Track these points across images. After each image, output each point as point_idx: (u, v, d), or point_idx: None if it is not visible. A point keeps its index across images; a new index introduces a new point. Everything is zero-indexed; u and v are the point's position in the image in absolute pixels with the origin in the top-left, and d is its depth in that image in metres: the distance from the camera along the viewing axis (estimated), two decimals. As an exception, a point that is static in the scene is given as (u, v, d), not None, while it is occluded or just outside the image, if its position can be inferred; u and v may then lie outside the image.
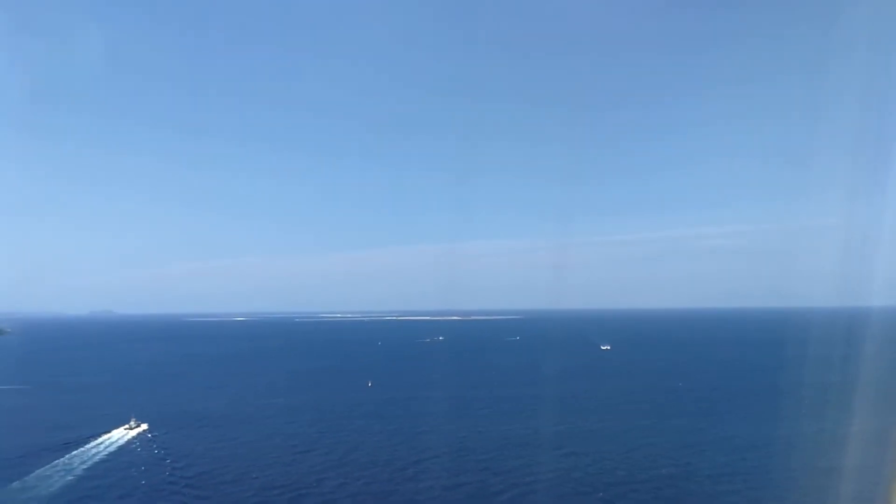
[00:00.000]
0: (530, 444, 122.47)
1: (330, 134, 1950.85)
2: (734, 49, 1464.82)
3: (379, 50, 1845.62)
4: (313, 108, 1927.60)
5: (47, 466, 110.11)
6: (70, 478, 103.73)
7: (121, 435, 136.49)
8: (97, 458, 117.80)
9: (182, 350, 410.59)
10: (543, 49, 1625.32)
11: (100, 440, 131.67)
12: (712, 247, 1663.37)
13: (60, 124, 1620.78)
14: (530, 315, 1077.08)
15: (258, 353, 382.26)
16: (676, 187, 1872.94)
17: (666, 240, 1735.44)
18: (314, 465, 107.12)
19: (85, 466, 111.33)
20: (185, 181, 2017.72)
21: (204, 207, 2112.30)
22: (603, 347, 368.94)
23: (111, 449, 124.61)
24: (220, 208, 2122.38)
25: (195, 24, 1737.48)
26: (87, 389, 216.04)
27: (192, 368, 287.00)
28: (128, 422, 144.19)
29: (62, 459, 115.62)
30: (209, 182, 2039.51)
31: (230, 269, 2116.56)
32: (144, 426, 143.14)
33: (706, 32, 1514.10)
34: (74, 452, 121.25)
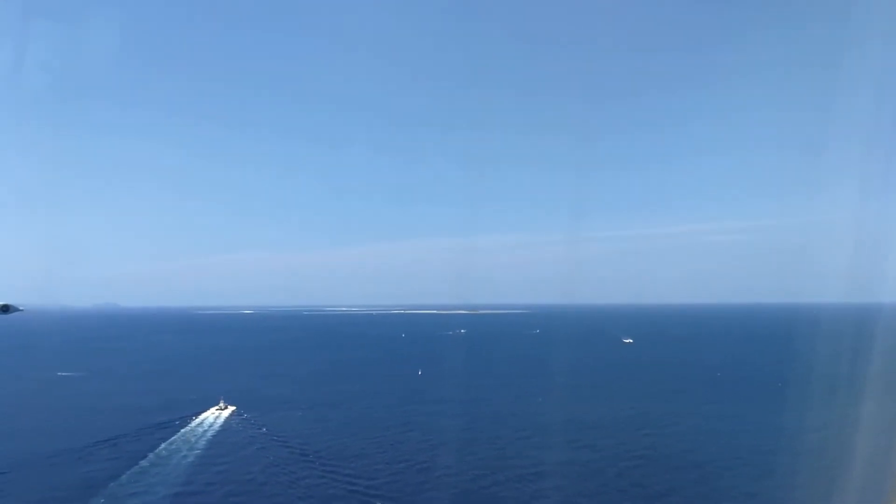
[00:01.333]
0: (609, 426, 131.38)
1: (337, 126, 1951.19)
2: (747, 41, 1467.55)
3: (388, 41, 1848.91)
4: (322, 100, 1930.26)
5: (169, 441, 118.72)
6: (197, 451, 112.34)
7: (215, 415, 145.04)
8: (209, 434, 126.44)
9: (212, 341, 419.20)
10: (555, 39, 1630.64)
11: (198, 420, 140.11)
12: (721, 242, 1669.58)
13: (65, 112, 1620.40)
14: (537, 309, 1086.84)
15: (288, 343, 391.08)
16: (686, 181, 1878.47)
17: (675, 235, 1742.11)
18: (421, 443, 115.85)
19: (204, 441, 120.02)
20: (189, 174, 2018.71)
21: (207, 200, 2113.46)
22: (625, 341, 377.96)
23: (216, 427, 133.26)
24: (222, 201, 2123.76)
25: (202, 10, 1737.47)
26: (147, 377, 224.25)
27: (235, 357, 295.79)
28: (216, 404, 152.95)
29: (177, 436, 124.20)
30: (213, 175, 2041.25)
31: (233, 263, 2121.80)
32: (233, 408, 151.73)
33: (718, 23, 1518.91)
34: (184, 430, 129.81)
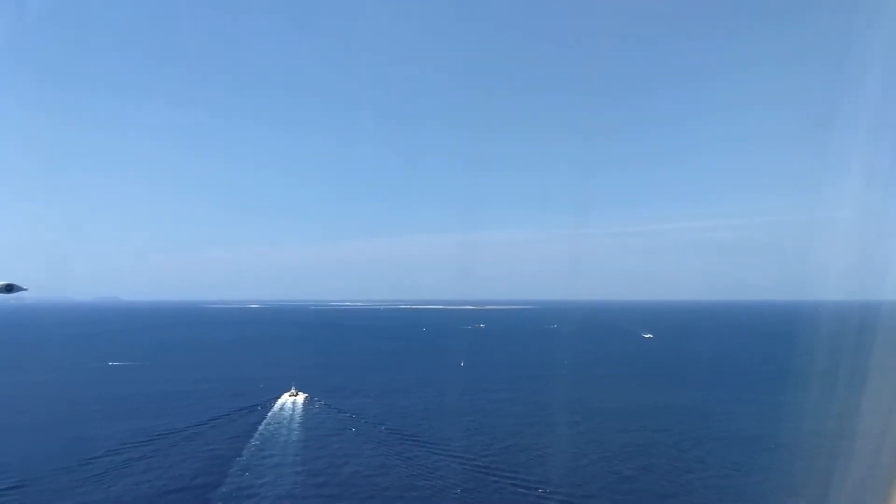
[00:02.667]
0: (673, 412, 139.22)
1: (341, 122, 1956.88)
2: (749, 36, 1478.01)
3: (393, 39, 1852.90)
4: (326, 96, 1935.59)
5: (265, 423, 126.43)
6: (297, 431, 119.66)
7: (291, 400, 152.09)
8: (297, 417, 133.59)
9: (239, 334, 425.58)
10: (558, 39, 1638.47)
11: (278, 405, 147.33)
12: (724, 239, 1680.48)
13: (67, 105, 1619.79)
14: (541, 305, 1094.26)
15: (316, 336, 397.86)
16: (688, 177, 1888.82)
17: (676, 231, 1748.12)
18: (506, 426, 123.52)
19: (297, 423, 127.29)
20: (190, 168, 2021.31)
21: (208, 195, 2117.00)
22: (645, 336, 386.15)
23: (300, 411, 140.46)
24: (224, 196, 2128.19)
25: (204, 4, 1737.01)
26: (197, 366, 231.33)
27: (273, 349, 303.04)
28: (288, 390, 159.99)
29: (269, 418, 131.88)
30: (212, 169, 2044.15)
31: (231, 257, 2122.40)
32: (304, 395, 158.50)
33: (720, 18, 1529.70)
34: (271, 413, 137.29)
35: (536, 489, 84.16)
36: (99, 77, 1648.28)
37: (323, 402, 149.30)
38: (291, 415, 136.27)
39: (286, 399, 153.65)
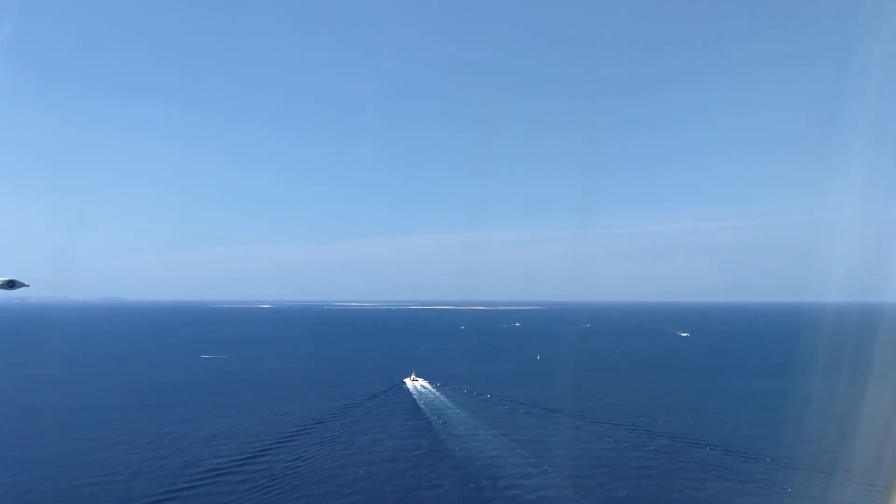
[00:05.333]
0: (765, 397, 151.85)
1: (343, 122, 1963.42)
2: (751, 36, 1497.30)
3: (394, 39, 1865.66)
4: (327, 96, 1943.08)
5: (421, 402, 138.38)
6: (458, 409, 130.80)
7: (419, 384, 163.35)
8: (442, 397, 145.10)
9: (288, 332, 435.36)
10: (559, 38, 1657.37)
11: (410, 388, 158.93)
12: (724, 240, 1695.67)
13: (69, 103, 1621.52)
14: (553, 306, 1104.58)
15: (368, 334, 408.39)
16: (689, 179, 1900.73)
17: (677, 233, 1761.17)
18: (645, 408, 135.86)
19: (448, 401, 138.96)
20: (191, 168, 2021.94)
21: (208, 195, 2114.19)
22: (682, 335, 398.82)
23: (437, 393, 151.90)
24: (224, 196, 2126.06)
25: (205, 4, 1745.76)
26: (289, 358, 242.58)
27: (337, 344, 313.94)
28: (409, 376, 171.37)
29: (416, 397, 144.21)
30: (215, 169, 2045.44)
31: (234, 257, 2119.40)
32: (422, 380, 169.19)
33: (721, 19, 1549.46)
34: (415, 394, 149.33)
35: (731, 452, 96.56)
36: (101, 77, 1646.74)
37: (451, 387, 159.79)
38: (436, 396, 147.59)
39: (411, 384, 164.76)
